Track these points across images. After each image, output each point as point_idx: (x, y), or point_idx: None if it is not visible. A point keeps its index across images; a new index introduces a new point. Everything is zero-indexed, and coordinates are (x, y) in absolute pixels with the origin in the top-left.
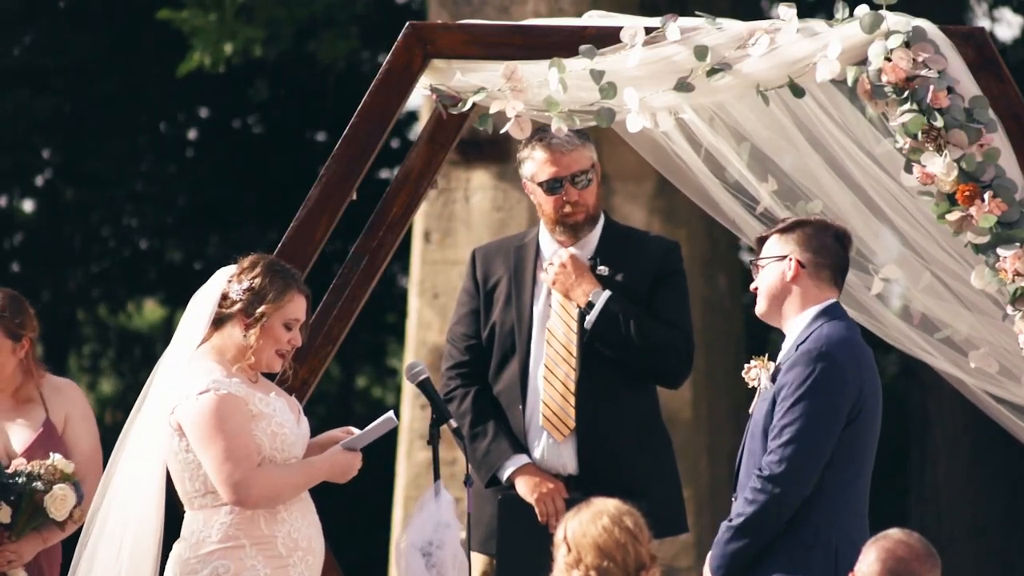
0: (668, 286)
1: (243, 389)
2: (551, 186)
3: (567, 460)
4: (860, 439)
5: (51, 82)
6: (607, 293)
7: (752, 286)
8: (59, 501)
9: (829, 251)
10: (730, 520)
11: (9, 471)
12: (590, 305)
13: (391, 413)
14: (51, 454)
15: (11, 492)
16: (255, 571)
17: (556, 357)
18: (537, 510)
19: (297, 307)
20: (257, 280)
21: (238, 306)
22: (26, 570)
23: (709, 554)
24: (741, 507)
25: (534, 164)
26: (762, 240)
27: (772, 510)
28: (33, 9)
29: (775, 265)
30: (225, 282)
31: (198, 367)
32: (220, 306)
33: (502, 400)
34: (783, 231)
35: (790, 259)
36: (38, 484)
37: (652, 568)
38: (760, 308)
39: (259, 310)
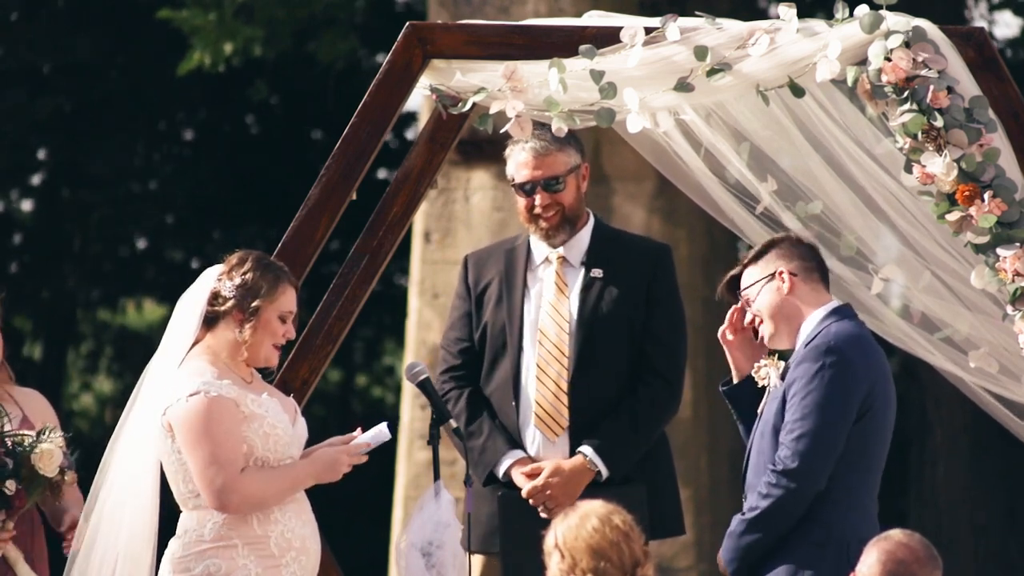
0: (663, 307)
1: (234, 390)
2: (524, 188)
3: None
4: (870, 437)
5: (51, 82)
6: (597, 458)
7: (747, 320)
8: (46, 456)
9: (810, 257)
10: (743, 514)
11: (9, 443)
12: (597, 472)
13: (384, 426)
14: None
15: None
16: (246, 570)
17: (548, 357)
18: (532, 502)
19: (290, 299)
20: (249, 275)
21: (231, 303)
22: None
23: (722, 547)
24: (755, 501)
25: (512, 165)
26: (736, 277)
27: (787, 504)
28: (33, 9)
29: (767, 287)
30: (215, 281)
31: (190, 368)
32: (212, 305)
33: (494, 399)
34: (757, 257)
35: (780, 273)
36: (26, 448)
37: (647, 564)
38: (767, 331)
39: (253, 304)
